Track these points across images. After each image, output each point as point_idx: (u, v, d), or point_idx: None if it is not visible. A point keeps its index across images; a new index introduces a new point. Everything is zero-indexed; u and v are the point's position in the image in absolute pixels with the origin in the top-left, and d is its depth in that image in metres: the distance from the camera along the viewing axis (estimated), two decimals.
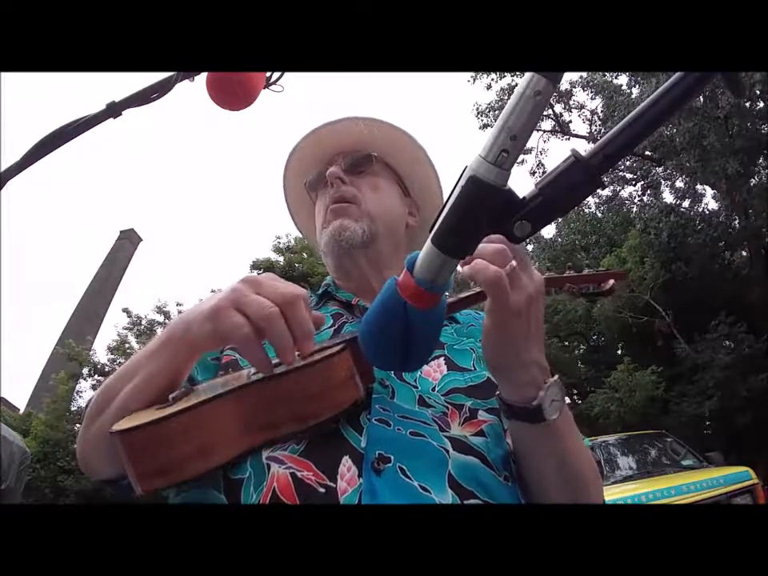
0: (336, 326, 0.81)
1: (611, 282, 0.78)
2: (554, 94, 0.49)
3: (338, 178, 0.89)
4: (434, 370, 0.76)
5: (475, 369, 0.78)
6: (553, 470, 0.64)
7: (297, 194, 1.02)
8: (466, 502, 0.60)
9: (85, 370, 14.55)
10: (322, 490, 0.58)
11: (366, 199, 0.89)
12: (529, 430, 0.62)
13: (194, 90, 0.68)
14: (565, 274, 0.78)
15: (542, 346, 0.61)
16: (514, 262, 0.57)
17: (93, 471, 0.68)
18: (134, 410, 0.60)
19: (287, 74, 0.74)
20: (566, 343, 14.19)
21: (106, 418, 0.62)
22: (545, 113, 6.04)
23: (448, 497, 0.60)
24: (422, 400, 0.70)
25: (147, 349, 0.66)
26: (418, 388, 0.72)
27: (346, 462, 0.60)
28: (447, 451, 0.64)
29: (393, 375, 0.72)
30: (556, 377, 0.61)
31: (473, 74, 11.78)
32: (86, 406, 0.70)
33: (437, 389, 0.73)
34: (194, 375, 0.72)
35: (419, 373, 0.75)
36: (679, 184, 11.84)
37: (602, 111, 12.22)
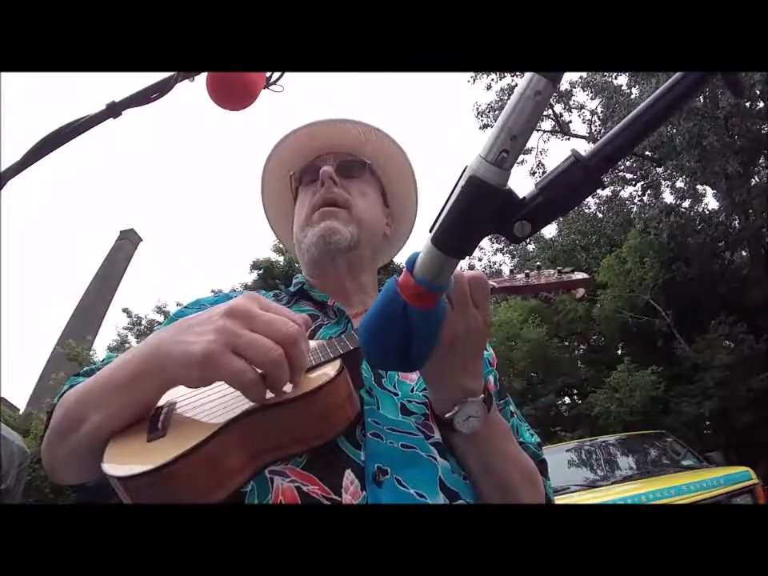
0: (313, 326, 0.80)
1: (581, 290, 0.83)
2: (554, 93, 0.49)
3: (330, 178, 0.89)
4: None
5: None
6: (480, 475, 0.70)
7: (275, 180, 1.02)
8: (453, 502, 0.66)
9: None
10: (328, 503, 0.59)
11: (355, 204, 0.90)
12: (454, 436, 0.68)
13: (194, 89, 0.68)
14: (532, 282, 0.82)
15: (478, 375, 0.66)
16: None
17: (61, 480, 0.67)
18: (111, 433, 0.57)
19: (287, 74, 0.74)
20: (566, 343, 14.15)
21: (79, 440, 0.59)
22: (545, 113, 6.04)
23: (440, 500, 0.65)
24: (403, 408, 0.72)
25: (119, 375, 0.59)
26: (398, 395, 0.73)
27: (349, 476, 0.62)
28: (435, 459, 0.68)
29: (374, 384, 0.73)
30: (480, 397, 0.65)
31: (473, 74, 11.77)
32: (48, 416, 0.65)
33: (415, 389, 0.75)
34: None
35: (397, 377, 0.76)
36: (679, 184, 11.82)
37: (601, 111, 12.21)
